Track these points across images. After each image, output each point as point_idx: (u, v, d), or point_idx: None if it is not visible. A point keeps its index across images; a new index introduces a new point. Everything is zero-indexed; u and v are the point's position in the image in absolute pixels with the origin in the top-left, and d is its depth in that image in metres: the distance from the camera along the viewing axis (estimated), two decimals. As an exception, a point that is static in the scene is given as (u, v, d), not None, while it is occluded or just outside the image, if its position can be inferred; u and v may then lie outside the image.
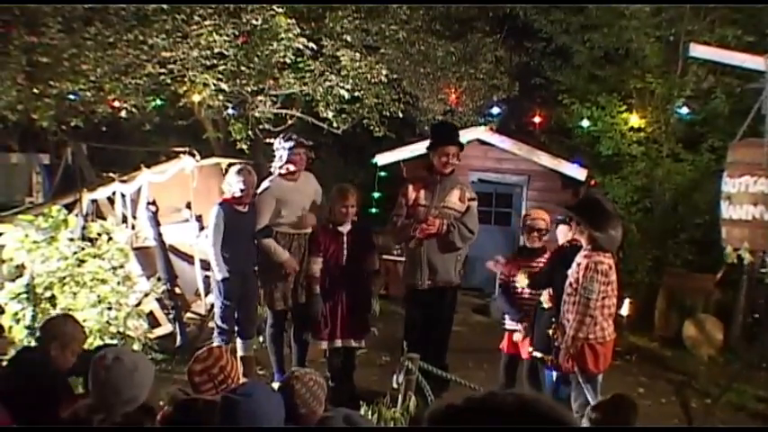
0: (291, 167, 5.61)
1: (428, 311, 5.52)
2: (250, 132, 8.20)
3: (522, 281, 5.02)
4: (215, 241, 5.55)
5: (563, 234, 5.05)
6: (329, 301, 5.44)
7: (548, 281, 4.89)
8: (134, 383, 2.76)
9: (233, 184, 5.56)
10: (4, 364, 3.86)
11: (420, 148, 9.25)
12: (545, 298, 4.94)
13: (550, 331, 4.72)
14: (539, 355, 4.95)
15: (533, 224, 5.20)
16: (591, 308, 4.30)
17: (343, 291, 5.43)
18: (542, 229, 5.21)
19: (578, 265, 4.39)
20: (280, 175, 5.67)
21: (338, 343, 5.47)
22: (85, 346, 5.42)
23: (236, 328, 5.83)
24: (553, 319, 4.73)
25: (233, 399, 2.60)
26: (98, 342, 5.44)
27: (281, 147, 5.66)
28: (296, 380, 3.01)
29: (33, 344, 3.71)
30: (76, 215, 6.41)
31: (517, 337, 5.21)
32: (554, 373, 4.88)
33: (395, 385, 4.93)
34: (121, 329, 5.85)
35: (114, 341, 5.50)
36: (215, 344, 5.48)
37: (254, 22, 6.85)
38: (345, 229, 5.42)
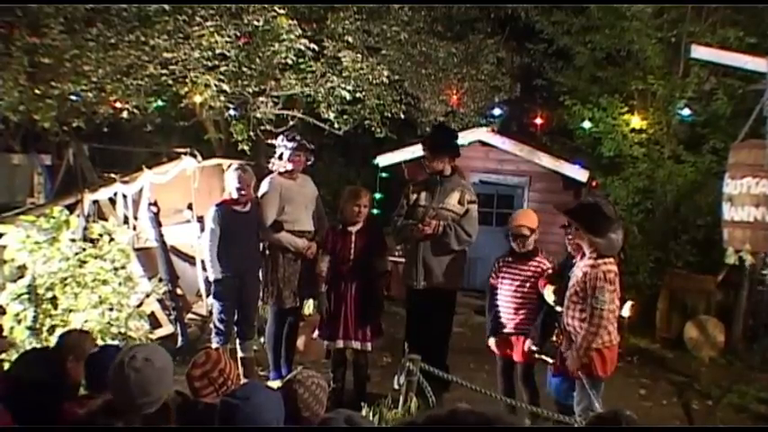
0: (289, 167, 5.66)
1: (425, 312, 5.50)
2: (251, 133, 8.19)
3: (549, 296, 4.84)
4: (211, 244, 5.57)
5: (572, 246, 4.82)
6: (334, 300, 5.43)
7: None
8: (162, 383, 2.72)
9: (230, 183, 5.58)
10: (10, 365, 3.86)
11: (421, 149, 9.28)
12: (550, 295, 4.84)
13: (554, 338, 4.69)
14: (544, 357, 4.90)
15: (518, 231, 5.04)
16: (604, 318, 4.27)
17: (349, 291, 5.40)
18: (527, 235, 5.04)
19: (585, 274, 4.32)
20: (279, 173, 5.70)
21: (340, 343, 5.46)
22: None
23: (235, 330, 5.84)
24: (557, 329, 4.71)
25: (231, 403, 2.59)
26: (100, 342, 5.44)
27: (282, 145, 5.69)
28: (299, 384, 3.00)
29: (40, 347, 3.76)
30: (78, 216, 6.42)
31: (492, 342, 5.20)
32: (556, 378, 4.84)
33: (396, 386, 4.92)
34: (123, 330, 5.85)
35: (115, 342, 5.49)
36: (213, 345, 5.49)
37: (255, 23, 6.84)
38: (355, 228, 5.42)
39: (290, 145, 5.65)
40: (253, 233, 5.68)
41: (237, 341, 5.83)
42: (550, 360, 4.84)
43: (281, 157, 5.70)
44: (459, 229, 5.37)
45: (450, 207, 5.43)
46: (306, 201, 5.75)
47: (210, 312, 6.89)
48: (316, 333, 5.63)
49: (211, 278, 5.65)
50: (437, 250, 5.42)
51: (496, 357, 5.37)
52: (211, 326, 5.89)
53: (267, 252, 5.74)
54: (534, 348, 4.97)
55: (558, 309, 4.71)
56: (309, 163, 5.87)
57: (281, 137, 5.82)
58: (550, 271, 4.99)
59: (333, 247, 5.44)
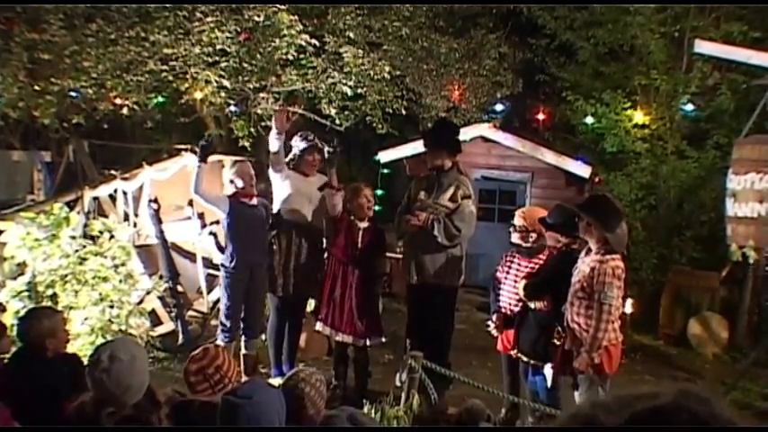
0: (303, 169, 5.70)
1: (424, 309, 5.49)
2: (252, 129, 8.17)
3: (521, 290, 4.90)
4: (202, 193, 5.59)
5: (552, 239, 4.93)
6: (335, 290, 5.46)
7: (546, 290, 4.79)
8: (136, 372, 2.74)
9: (234, 178, 5.59)
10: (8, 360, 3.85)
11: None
12: (521, 288, 4.90)
13: (555, 337, 4.67)
14: (525, 358, 4.94)
15: (533, 227, 5.06)
16: (612, 314, 4.24)
17: (351, 286, 5.44)
18: (538, 232, 5.11)
19: (593, 269, 4.28)
20: (292, 168, 5.75)
21: (341, 337, 5.50)
22: (87, 345, 5.43)
23: (241, 326, 5.81)
24: (558, 326, 4.68)
25: (233, 402, 2.56)
26: (100, 340, 5.43)
27: (296, 146, 5.72)
28: (304, 382, 2.97)
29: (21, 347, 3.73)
30: (78, 213, 6.40)
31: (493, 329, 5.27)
32: (548, 377, 4.80)
33: (398, 383, 4.91)
34: (123, 328, 5.84)
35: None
36: (218, 342, 5.47)
37: (256, 18, 6.81)
38: (363, 225, 5.48)
39: (301, 145, 5.71)
40: (260, 228, 5.66)
41: (243, 338, 5.80)
42: (525, 358, 4.91)
43: (294, 157, 5.72)
44: (448, 223, 5.35)
45: (444, 202, 5.42)
46: (311, 195, 5.74)
47: (211, 309, 6.87)
48: (318, 325, 5.62)
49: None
50: (428, 245, 5.42)
51: (501, 354, 5.37)
52: (215, 323, 5.86)
53: (273, 240, 5.73)
54: (514, 352, 5.04)
55: (533, 305, 4.83)
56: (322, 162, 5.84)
57: (296, 136, 5.82)
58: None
59: (342, 234, 5.47)
